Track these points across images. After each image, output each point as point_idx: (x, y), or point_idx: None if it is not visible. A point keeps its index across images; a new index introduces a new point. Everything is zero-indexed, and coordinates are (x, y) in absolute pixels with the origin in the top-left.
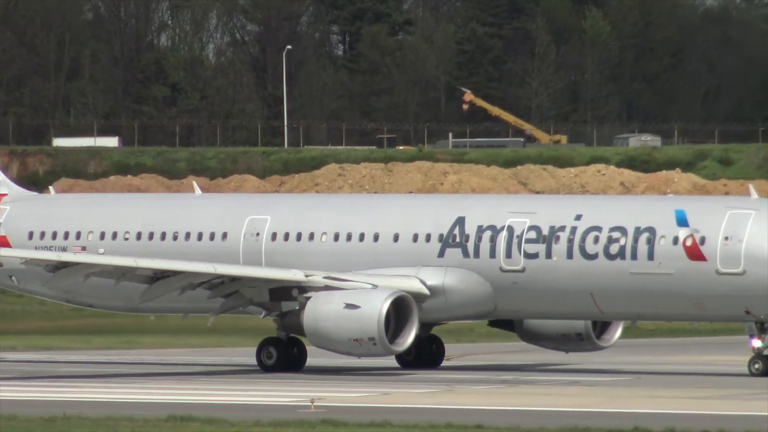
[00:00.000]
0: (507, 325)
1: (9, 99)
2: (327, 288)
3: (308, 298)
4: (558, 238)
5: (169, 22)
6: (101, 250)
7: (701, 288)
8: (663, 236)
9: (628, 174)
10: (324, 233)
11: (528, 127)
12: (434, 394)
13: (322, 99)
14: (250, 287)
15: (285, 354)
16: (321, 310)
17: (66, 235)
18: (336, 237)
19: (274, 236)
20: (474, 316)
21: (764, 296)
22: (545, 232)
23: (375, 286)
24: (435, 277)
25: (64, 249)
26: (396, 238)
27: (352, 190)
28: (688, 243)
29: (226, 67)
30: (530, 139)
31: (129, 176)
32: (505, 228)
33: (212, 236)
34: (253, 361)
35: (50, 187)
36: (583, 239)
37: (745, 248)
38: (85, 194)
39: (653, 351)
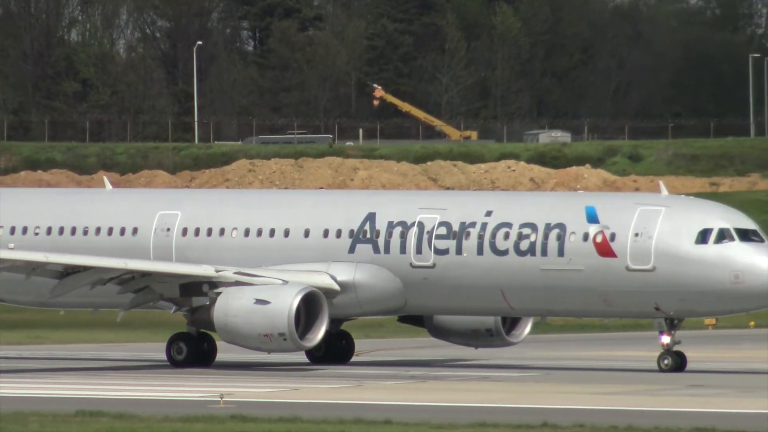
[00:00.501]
0: (417, 320)
1: None
2: (237, 283)
3: (219, 294)
4: (468, 234)
5: (80, 17)
6: (11, 245)
7: (611, 284)
8: (573, 232)
9: (538, 170)
10: (234, 229)
11: (438, 123)
12: (344, 390)
13: (233, 95)
14: (161, 282)
15: (195, 349)
16: (231, 306)
17: None
18: (246, 232)
19: (184, 231)
20: (384, 311)
21: (673, 292)
22: (455, 228)
23: (285, 282)
24: (345, 273)
25: None
26: (306, 233)
27: (262, 186)
28: (598, 239)
29: (137, 63)
30: (441, 135)
31: (39, 171)
32: (416, 224)
33: (123, 231)
34: (163, 356)
35: None
36: (493, 235)
37: (655, 245)
38: None
39: (562, 347)
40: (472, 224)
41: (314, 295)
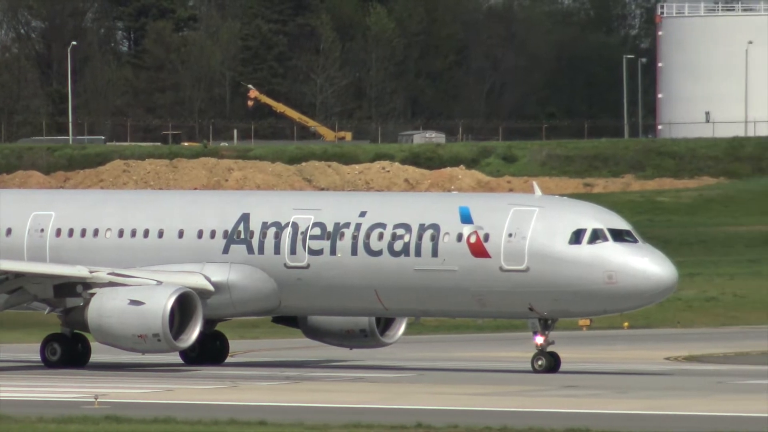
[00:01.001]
0: (291, 321)
1: None
2: (111, 284)
3: (93, 294)
4: (342, 234)
5: None
6: None
7: (485, 284)
8: (447, 233)
9: (412, 171)
10: (108, 229)
11: (313, 124)
12: (218, 391)
13: (107, 95)
14: (35, 283)
15: (69, 350)
16: (105, 306)
17: None
18: (120, 233)
19: (58, 232)
20: (258, 312)
21: (547, 293)
22: (330, 228)
23: (160, 283)
24: (219, 274)
25: None
26: (181, 234)
27: (136, 186)
28: (472, 240)
29: (11, 63)
30: (315, 136)
31: None
32: (290, 224)
33: None
34: (38, 357)
35: None
36: (367, 236)
37: (529, 245)
38: None
39: (437, 347)
40: (346, 225)
41: (188, 295)
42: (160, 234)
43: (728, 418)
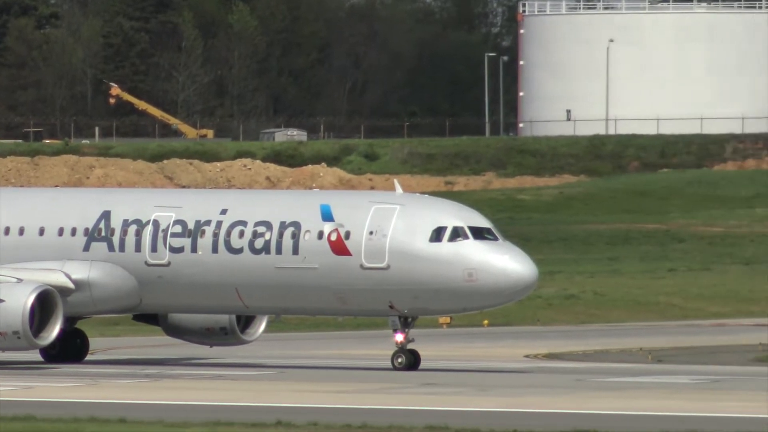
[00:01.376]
0: (152, 319)
1: None
2: None
3: None
4: (203, 232)
5: None
6: None
7: (346, 282)
8: (308, 231)
9: (274, 168)
10: None
11: (174, 122)
12: (78, 388)
13: None
14: None
15: None
16: None
17: None
18: None
19: None
20: (119, 310)
21: (407, 291)
22: (191, 226)
23: (20, 280)
24: (80, 271)
25: None
26: (41, 231)
27: None
28: (333, 238)
29: None
30: (177, 134)
31: None
32: (151, 222)
33: None
34: None
35: None
36: (228, 233)
37: (390, 243)
38: None
39: (298, 345)
40: (207, 222)
41: (49, 293)
42: (21, 231)
43: (588, 415)
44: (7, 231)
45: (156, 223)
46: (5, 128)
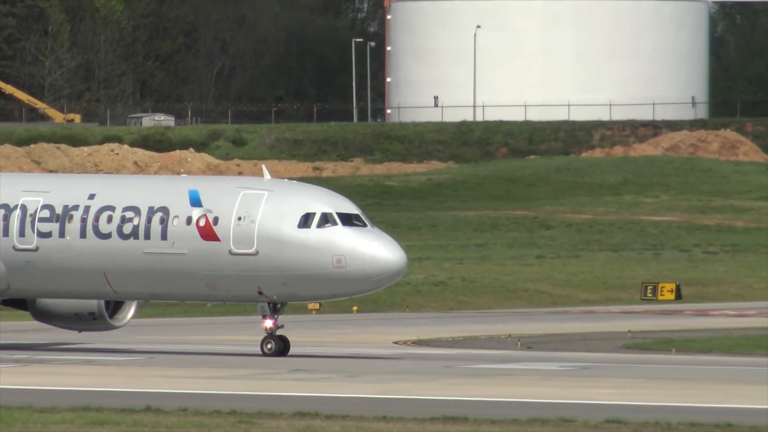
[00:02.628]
0: (20, 304)
1: None
2: None
3: None
4: (72, 217)
5: None
6: None
7: (214, 268)
8: (177, 216)
9: (141, 153)
10: None
11: (41, 106)
12: None
13: None
14: None
15: None
16: None
17: None
18: None
19: None
20: None
21: (276, 276)
22: (59, 211)
23: None
24: None
25: None
26: None
27: None
28: (202, 223)
29: None
30: (44, 118)
31: None
32: (18, 207)
33: None
34: None
35: None
36: (96, 218)
37: (258, 229)
38: None
39: (167, 330)
40: (75, 207)
41: None
42: None
43: (457, 402)
44: None
45: (24, 208)
46: None
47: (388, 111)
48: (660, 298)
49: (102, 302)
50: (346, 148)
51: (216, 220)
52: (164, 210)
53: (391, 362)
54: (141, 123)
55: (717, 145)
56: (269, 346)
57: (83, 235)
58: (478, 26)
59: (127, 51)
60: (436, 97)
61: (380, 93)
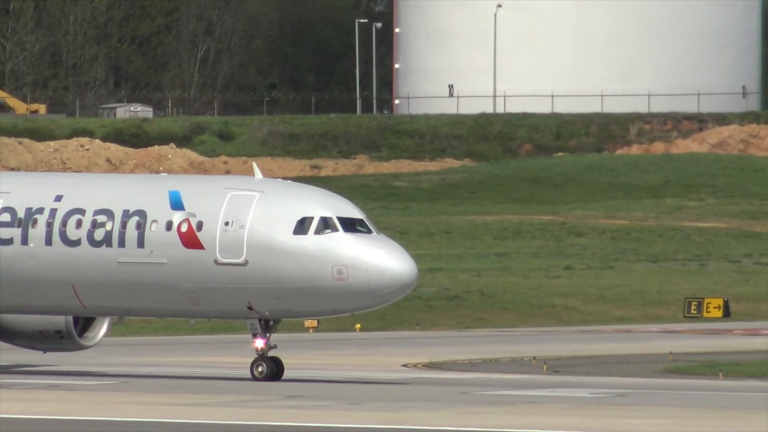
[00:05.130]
0: None
1: None
2: None
3: None
4: (35, 221)
5: None
6: None
7: (198, 280)
8: (155, 221)
9: (115, 149)
10: None
11: (2, 95)
12: None
13: None
14: None
15: None
16: None
17: None
18: None
19: None
20: None
21: (268, 290)
22: (21, 214)
23: None
24: None
25: None
26: None
27: None
28: (184, 229)
29: None
30: (4, 109)
31: None
32: None
33: None
34: None
35: None
36: (63, 223)
37: (248, 235)
38: None
39: (144, 351)
40: (40, 210)
41: None
42: None
43: None
44: None
45: None
46: None
47: (397, 102)
48: (705, 315)
49: (70, 319)
50: (349, 144)
51: (200, 226)
52: (141, 214)
53: (399, 388)
54: (115, 114)
55: None
56: (260, 369)
57: (49, 242)
58: (499, 5)
59: (99, 33)
60: (451, 86)
61: (387, 81)
